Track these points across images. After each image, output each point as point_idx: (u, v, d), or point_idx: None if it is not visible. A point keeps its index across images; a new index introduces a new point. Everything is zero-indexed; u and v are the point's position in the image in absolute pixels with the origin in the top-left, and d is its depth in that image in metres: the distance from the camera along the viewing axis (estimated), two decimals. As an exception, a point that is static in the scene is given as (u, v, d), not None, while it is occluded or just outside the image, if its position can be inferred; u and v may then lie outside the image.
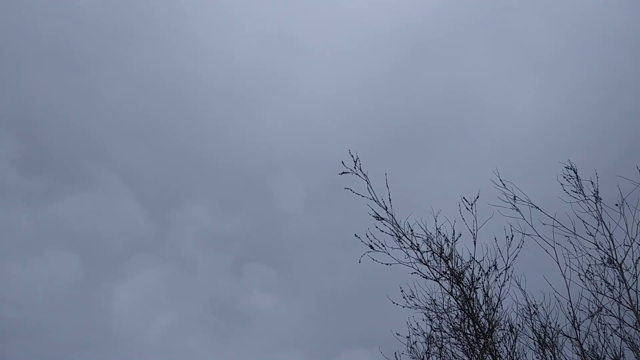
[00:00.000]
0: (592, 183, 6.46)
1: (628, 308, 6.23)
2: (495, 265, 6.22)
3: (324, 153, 27.18)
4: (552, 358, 6.29)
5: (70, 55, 28.72)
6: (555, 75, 24.00)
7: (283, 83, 29.40)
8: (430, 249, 6.33)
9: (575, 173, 6.54)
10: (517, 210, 6.58)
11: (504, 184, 6.59)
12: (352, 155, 6.62)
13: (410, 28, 27.78)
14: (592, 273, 6.44)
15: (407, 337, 6.64)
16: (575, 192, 6.53)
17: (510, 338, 6.27)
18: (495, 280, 6.24)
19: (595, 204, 6.45)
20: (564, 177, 6.61)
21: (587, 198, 6.44)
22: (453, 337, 6.48)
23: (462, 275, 6.35)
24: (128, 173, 28.91)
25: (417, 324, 6.69)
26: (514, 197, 6.65)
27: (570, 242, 6.49)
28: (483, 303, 6.32)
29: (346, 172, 6.63)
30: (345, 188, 6.45)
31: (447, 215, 6.57)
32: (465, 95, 25.47)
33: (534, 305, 6.53)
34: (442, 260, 6.36)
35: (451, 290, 6.32)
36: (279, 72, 29.15)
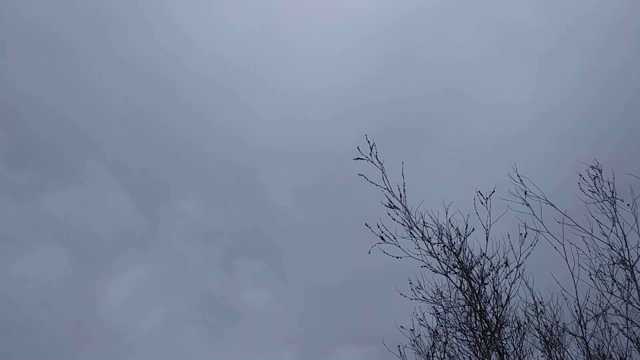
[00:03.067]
0: (609, 184, 6.36)
1: (637, 308, 6.22)
2: (507, 263, 6.12)
3: (314, 147, 26.85)
4: (558, 356, 6.28)
5: (56, 45, 27.54)
6: (554, 66, 23.62)
7: (272, 76, 28.71)
8: (441, 242, 6.20)
9: (600, 173, 6.42)
10: (528, 205, 6.49)
11: (521, 180, 6.47)
12: (368, 142, 6.33)
13: (402, 21, 27.11)
14: (604, 273, 6.41)
15: (411, 329, 6.53)
16: (592, 191, 6.43)
17: (517, 335, 6.22)
18: (506, 277, 6.16)
19: (612, 205, 6.36)
20: (585, 175, 6.51)
21: (604, 199, 6.35)
22: (460, 330, 6.42)
23: (471, 269, 6.26)
24: (116, 166, 28.11)
25: (423, 314, 6.60)
26: (525, 192, 6.55)
27: (585, 242, 6.44)
28: (491, 299, 6.25)
29: (361, 159, 6.35)
30: (359, 175, 6.20)
31: (451, 210, 6.42)
32: (460, 88, 25.06)
33: (540, 303, 6.50)
34: (452, 253, 6.24)
35: (460, 285, 6.23)
36: (268, 65, 28.51)
